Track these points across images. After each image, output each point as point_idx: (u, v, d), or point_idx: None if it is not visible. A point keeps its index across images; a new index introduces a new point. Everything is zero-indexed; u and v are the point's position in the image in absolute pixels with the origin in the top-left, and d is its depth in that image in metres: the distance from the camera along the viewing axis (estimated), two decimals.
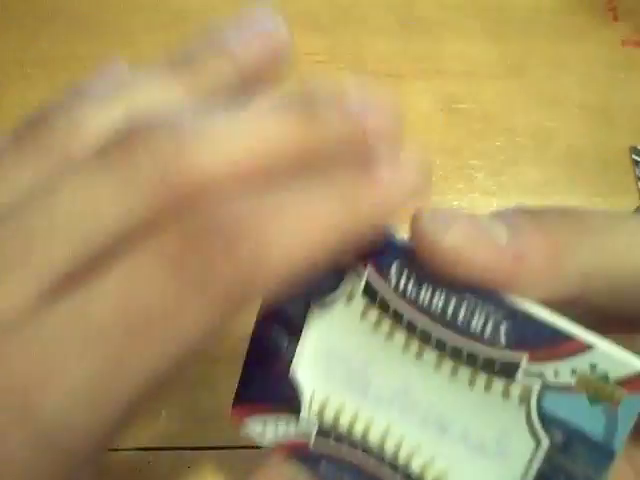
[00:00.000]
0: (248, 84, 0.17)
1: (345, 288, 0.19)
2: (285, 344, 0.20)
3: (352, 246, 0.15)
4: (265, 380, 0.20)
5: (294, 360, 0.20)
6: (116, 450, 0.30)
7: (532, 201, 0.37)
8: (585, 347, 0.17)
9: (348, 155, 0.15)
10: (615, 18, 0.41)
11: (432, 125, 0.37)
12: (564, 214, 0.16)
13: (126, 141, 0.14)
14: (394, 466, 0.19)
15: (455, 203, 0.36)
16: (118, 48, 0.39)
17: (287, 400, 0.20)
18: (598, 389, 0.17)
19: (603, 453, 0.17)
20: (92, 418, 0.13)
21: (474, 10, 0.42)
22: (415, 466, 0.19)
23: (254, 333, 0.20)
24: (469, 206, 0.35)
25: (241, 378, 0.21)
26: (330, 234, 0.14)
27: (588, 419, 0.17)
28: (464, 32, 0.41)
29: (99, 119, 0.15)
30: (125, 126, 0.14)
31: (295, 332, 0.20)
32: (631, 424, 0.17)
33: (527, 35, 0.41)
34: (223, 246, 0.13)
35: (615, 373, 0.16)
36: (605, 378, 0.17)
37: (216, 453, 0.31)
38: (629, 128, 0.39)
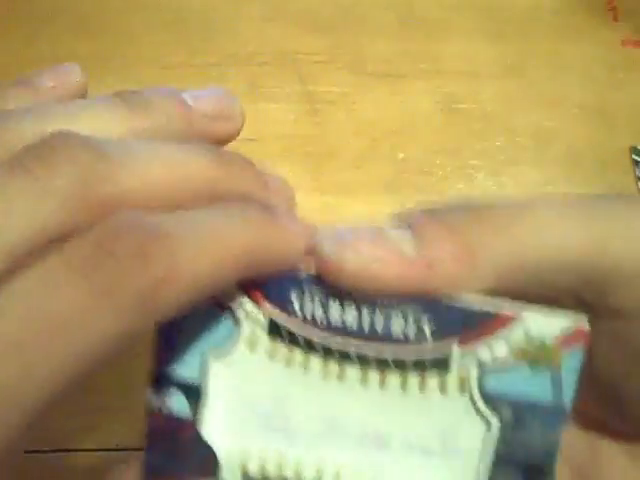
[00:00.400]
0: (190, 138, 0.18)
1: (243, 333, 0.18)
2: (187, 410, 0.18)
3: (250, 277, 0.16)
4: (171, 459, 0.19)
5: (202, 423, 0.18)
6: (116, 450, 0.30)
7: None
8: (512, 318, 0.17)
9: (253, 200, 0.17)
10: (615, 18, 0.41)
11: (432, 125, 0.37)
12: (468, 211, 0.17)
13: (44, 150, 0.14)
14: None
15: None
16: (118, 48, 0.39)
17: (203, 468, 0.19)
18: (536, 355, 0.17)
19: (555, 415, 0.17)
20: None
21: (474, 10, 0.42)
22: None
23: (148, 412, 0.19)
24: None
25: (144, 465, 0.19)
26: (234, 253, 0.15)
27: (533, 387, 0.17)
28: (464, 32, 0.41)
29: (24, 131, 0.15)
30: (47, 138, 0.14)
31: (196, 394, 0.18)
32: (576, 378, 0.17)
33: (527, 35, 0.41)
34: (134, 253, 0.13)
35: (548, 335, 0.17)
36: (540, 342, 0.17)
37: None
38: (629, 128, 0.39)
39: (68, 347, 0.13)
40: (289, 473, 0.18)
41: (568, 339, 0.17)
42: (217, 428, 0.18)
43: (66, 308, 0.13)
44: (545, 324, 0.17)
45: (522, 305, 0.17)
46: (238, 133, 0.19)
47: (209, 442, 0.18)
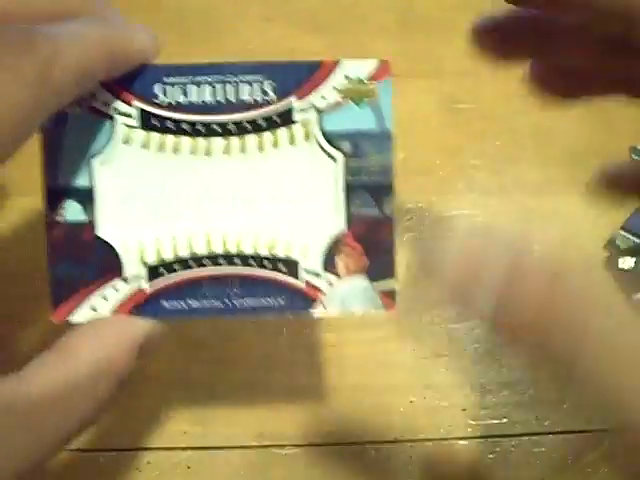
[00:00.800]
0: None
1: (119, 133, 0.21)
2: (82, 216, 0.21)
3: (118, 69, 0.20)
4: (75, 267, 0.21)
5: (97, 224, 0.21)
6: (116, 450, 0.30)
7: (532, 201, 0.37)
8: (333, 64, 0.21)
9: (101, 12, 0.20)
10: None
11: (432, 125, 0.37)
12: None
13: None
14: (228, 258, 0.21)
15: (455, 203, 0.36)
16: None
17: (106, 268, 0.21)
18: (358, 92, 0.21)
19: (383, 138, 0.21)
20: None
21: (474, 10, 0.42)
22: (246, 247, 0.21)
23: (47, 227, 0.21)
24: (469, 206, 0.35)
25: (50, 282, 0.21)
26: (100, 44, 0.18)
27: (362, 120, 0.21)
28: (464, 32, 0.41)
29: None
30: None
31: (87, 198, 0.21)
32: (390, 105, 0.21)
33: None
34: (22, 39, 0.16)
35: (363, 73, 0.21)
36: (359, 80, 0.21)
37: (215, 453, 0.31)
38: (629, 128, 0.39)
39: None
40: (183, 251, 0.21)
41: (378, 73, 0.21)
42: (111, 226, 0.21)
43: None
44: (359, 65, 0.21)
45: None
46: None
47: (107, 242, 0.21)
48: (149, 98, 0.20)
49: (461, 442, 0.31)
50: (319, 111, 0.21)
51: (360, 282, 0.21)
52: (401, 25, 0.39)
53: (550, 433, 0.32)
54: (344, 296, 0.21)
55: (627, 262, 0.35)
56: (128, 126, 0.21)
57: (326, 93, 0.21)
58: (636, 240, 0.35)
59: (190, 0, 0.41)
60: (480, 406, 0.32)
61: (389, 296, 0.22)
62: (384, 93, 0.21)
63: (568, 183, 0.37)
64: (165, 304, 0.21)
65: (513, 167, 0.37)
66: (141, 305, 0.21)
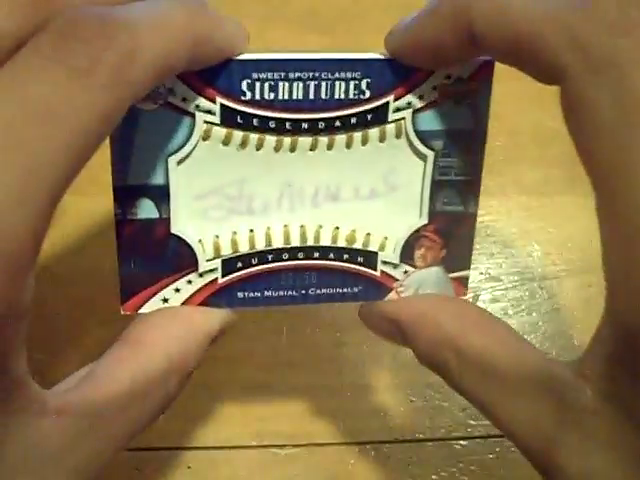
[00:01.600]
0: None
1: (199, 130, 0.19)
2: (155, 214, 0.20)
3: (204, 62, 0.18)
4: (147, 263, 0.20)
5: (172, 220, 0.20)
6: None
7: (532, 201, 0.37)
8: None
9: None
10: None
11: None
12: None
13: None
14: (307, 250, 0.21)
15: None
16: None
17: (179, 264, 0.20)
18: (458, 91, 0.20)
19: (478, 137, 0.21)
20: (21, 215, 0.13)
21: None
22: (325, 240, 0.21)
23: (117, 223, 0.20)
24: None
25: (120, 278, 0.20)
26: (184, 33, 0.16)
27: (458, 119, 0.20)
28: None
29: None
30: None
31: (161, 195, 0.19)
32: (489, 104, 0.20)
33: None
34: (97, 34, 0.14)
35: (465, 72, 0.20)
36: (460, 80, 0.20)
37: (216, 453, 0.31)
38: None
39: (62, 124, 0.13)
40: (260, 244, 0.21)
41: (481, 73, 0.20)
42: (186, 222, 0.20)
43: (51, 91, 0.13)
44: (461, 64, 0.20)
45: None
46: None
47: (182, 237, 0.20)
48: (235, 95, 0.19)
49: (461, 442, 0.31)
50: (415, 110, 0.20)
51: (435, 271, 0.22)
52: None
53: None
54: (419, 285, 0.22)
55: None
56: (209, 123, 0.19)
57: (425, 92, 0.20)
58: None
59: None
60: None
61: (461, 282, 0.22)
62: (484, 93, 0.20)
63: (568, 183, 0.37)
64: (239, 294, 0.21)
65: (513, 167, 0.37)
66: (214, 295, 0.21)
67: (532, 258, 0.35)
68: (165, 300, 0.20)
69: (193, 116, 0.19)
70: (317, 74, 0.19)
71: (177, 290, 0.20)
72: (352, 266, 0.21)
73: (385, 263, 0.21)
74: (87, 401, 0.17)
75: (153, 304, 0.20)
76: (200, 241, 0.20)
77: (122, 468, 0.30)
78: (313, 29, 0.39)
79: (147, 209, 0.20)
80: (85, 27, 0.14)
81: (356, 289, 0.21)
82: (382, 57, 0.20)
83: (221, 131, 0.19)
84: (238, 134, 0.19)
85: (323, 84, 0.19)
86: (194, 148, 0.19)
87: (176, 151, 0.19)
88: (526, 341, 0.20)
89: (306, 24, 0.39)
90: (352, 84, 0.19)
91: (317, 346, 0.33)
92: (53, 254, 0.34)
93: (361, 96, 0.20)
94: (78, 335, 0.33)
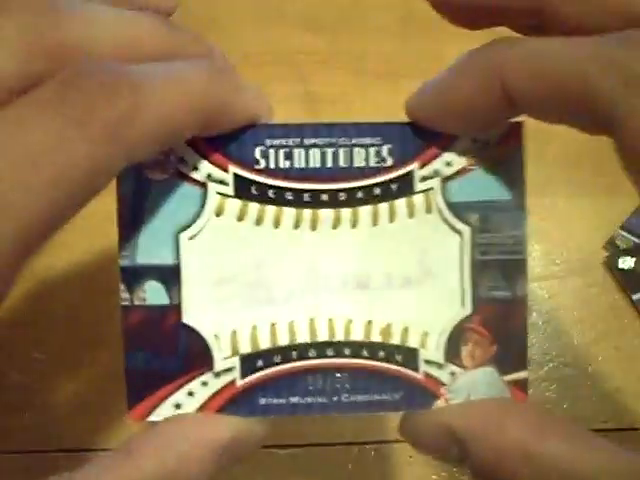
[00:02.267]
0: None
1: (211, 203, 0.18)
2: (166, 300, 0.18)
3: (215, 128, 0.17)
4: (156, 358, 0.18)
5: (183, 307, 0.18)
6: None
7: (532, 201, 0.37)
8: None
9: (200, 55, 0.17)
10: None
11: None
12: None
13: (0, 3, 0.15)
14: (336, 346, 0.18)
15: None
16: None
17: (192, 360, 0.18)
18: (487, 157, 0.18)
19: (516, 208, 0.18)
20: None
21: None
22: (356, 336, 0.19)
23: (122, 310, 0.18)
24: None
25: (127, 376, 0.18)
26: (194, 97, 0.15)
27: (491, 188, 0.18)
28: (464, 32, 0.41)
29: None
30: None
31: (171, 277, 0.18)
32: (523, 171, 0.18)
33: None
34: (100, 87, 0.14)
35: (493, 136, 0.18)
36: (486, 144, 0.18)
37: None
38: None
39: (45, 178, 0.13)
40: (283, 338, 0.18)
41: (509, 136, 0.18)
42: (200, 311, 0.18)
43: (40, 139, 0.13)
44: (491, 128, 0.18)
45: None
46: (175, 10, 0.19)
47: (195, 330, 0.18)
48: (248, 163, 0.18)
49: None
50: (443, 179, 0.18)
51: (487, 373, 0.19)
52: (401, 25, 0.39)
53: None
54: (469, 389, 0.19)
55: (627, 262, 0.35)
56: (222, 195, 0.18)
57: (452, 159, 0.18)
58: (636, 240, 0.35)
59: (190, 1, 0.41)
60: None
61: (520, 387, 0.19)
62: (516, 158, 0.18)
63: (568, 183, 0.37)
64: (261, 400, 0.18)
65: None
66: (233, 402, 0.18)
67: (532, 258, 0.35)
68: (178, 406, 0.18)
69: (205, 186, 0.18)
70: (334, 140, 0.18)
71: (191, 394, 0.18)
72: (390, 366, 0.18)
73: (428, 363, 0.19)
74: None
75: (164, 410, 0.18)
76: (216, 336, 0.18)
77: None
78: (313, 29, 0.39)
79: (156, 293, 0.18)
80: (90, 79, 0.14)
81: (397, 395, 0.19)
82: (403, 122, 0.18)
83: (235, 204, 0.18)
84: (254, 208, 0.18)
85: (341, 151, 0.18)
86: (206, 224, 0.18)
87: (188, 226, 0.18)
88: (611, 445, 0.17)
89: (306, 24, 0.39)
90: (372, 151, 0.18)
91: None
92: (53, 253, 0.34)
93: (383, 164, 0.18)
94: (78, 335, 0.33)
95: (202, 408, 0.18)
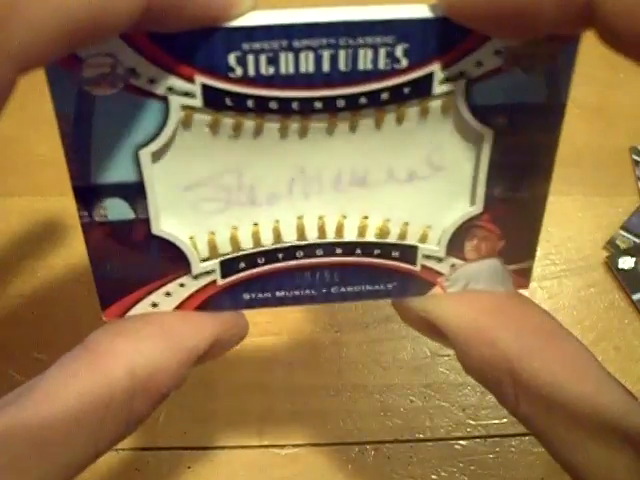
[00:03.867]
0: None
1: (174, 117, 0.15)
2: (130, 214, 0.16)
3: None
4: (126, 267, 0.17)
5: (152, 219, 0.16)
6: (116, 450, 0.30)
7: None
8: None
9: None
10: None
11: None
12: None
13: None
14: (326, 246, 0.17)
15: None
16: None
17: (167, 266, 0.17)
18: (531, 56, 0.15)
19: (554, 112, 0.16)
20: None
21: None
22: (350, 233, 0.17)
23: (84, 230, 0.16)
24: None
25: (97, 286, 0.17)
26: None
27: (528, 90, 0.16)
28: None
29: None
30: None
31: (135, 193, 0.16)
32: (572, 73, 0.16)
33: None
34: None
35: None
36: (537, 41, 0.15)
37: (216, 453, 0.31)
38: (629, 128, 0.39)
39: None
40: (267, 240, 0.17)
41: (562, 35, 0.15)
42: (171, 219, 0.17)
43: None
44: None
45: None
46: None
47: (168, 236, 0.16)
48: (221, 72, 0.15)
49: (461, 442, 0.31)
50: (470, 80, 0.15)
51: (490, 264, 0.18)
52: None
53: None
54: (469, 278, 0.18)
55: (627, 262, 0.35)
56: (188, 108, 0.15)
57: (484, 58, 0.15)
58: (636, 240, 0.35)
59: None
60: (480, 406, 0.32)
61: (522, 274, 0.18)
62: (568, 56, 0.16)
63: (568, 183, 0.37)
64: (245, 295, 0.17)
65: None
66: (214, 299, 0.17)
67: None
68: (155, 305, 0.17)
69: (165, 100, 0.15)
70: (333, 41, 0.14)
71: (168, 294, 0.17)
72: (385, 261, 0.17)
73: (427, 257, 0.17)
74: (23, 424, 0.14)
75: (140, 309, 0.17)
76: (192, 238, 0.17)
77: (122, 468, 0.30)
78: None
79: (119, 209, 0.16)
80: None
81: (390, 285, 0.18)
82: (424, 17, 0.14)
83: (205, 117, 0.15)
84: (229, 120, 0.15)
85: (342, 53, 0.15)
86: (172, 139, 0.16)
87: (148, 143, 0.15)
88: (605, 371, 0.17)
89: None
90: (382, 51, 0.15)
91: (317, 346, 0.33)
92: (53, 252, 0.34)
93: (395, 65, 0.15)
94: (78, 335, 0.33)
95: (180, 306, 0.17)
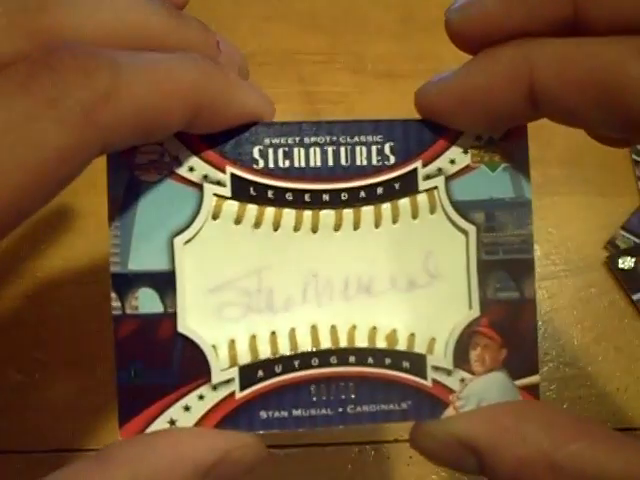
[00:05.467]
0: None
1: (207, 204, 0.17)
2: (159, 307, 0.17)
3: (204, 127, 0.16)
4: (149, 371, 0.17)
5: (179, 315, 0.17)
6: None
7: (532, 201, 0.37)
8: None
9: (199, 47, 0.16)
10: None
11: None
12: None
13: None
14: (340, 354, 0.18)
15: None
16: None
17: (189, 372, 0.17)
18: (491, 154, 0.18)
19: (522, 206, 0.18)
20: None
21: None
22: (361, 341, 0.18)
23: (114, 320, 0.17)
24: None
25: (119, 391, 0.17)
26: (181, 87, 0.14)
27: (496, 186, 0.18)
28: None
29: None
30: None
31: (166, 283, 0.17)
32: (528, 168, 0.18)
33: None
34: (75, 67, 0.13)
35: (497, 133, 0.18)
36: (491, 141, 0.18)
37: None
38: None
39: (14, 156, 0.12)
40: (283, 345, 0.17)
41: (512, 135, 0.18)
42: (196, 320, 0.17)
43: (9, 116, 0.12)
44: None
45: None
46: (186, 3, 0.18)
47: (192, 338, 0.17)
48: (247, 163, 0.17)
49: None
50: (447, 177, 0.18)
51: (498, 378, 0.18)
52: (401, 25, 0.39)
53: None
54: (480, 396, 0.18)
55: (627, 262, 0.35)
56: (219, 196, 0.17)
57: (456, 156, 0.18)
58: (636, 240, 0.35)
59: (190, 0, 0.41)
60: None
61: (531, 391, 0.18)
62: (521, 155, 0.18)
63: (568, 183, 0.37)
64: (262, 414, 0.17)
65: None
66: (232, 416, 0.17)
67: None
68: (172, 422, 0.17)
69: (201, 188, 0.17)
70: (335, 138, 0.17)
71: (187, 409, 0.17)
72: (397, 374, 0.18)
73: (436, 369, 0.18)
74: None
75: (158, 427, 0.17)
76: (213, 343, 0.17)
77: None
78: (313, 29, 0.39)
79: (150, 301, 0.17)
80: (65, 58, 0.13)
81: (405, 405, 0.18)
82: (405, 119, 0.18)
83: (233, 206, 0.17)
84: (252, 209, 0.17)
85: (342, 149, 0.17)
86: (203, 228, 0.17)
87: (182, 230, 0.17)
88: (629, 439, 0.16)
89: (306, 24, 0.39)
90: (374, 149, 0.17)
91: None
92: (53, 253, 0.34)
93: (385, 162, 0.17)
94: (78, 335, 0.33)
95: (199, 424, 0.17)
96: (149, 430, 0.17)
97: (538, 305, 0.35)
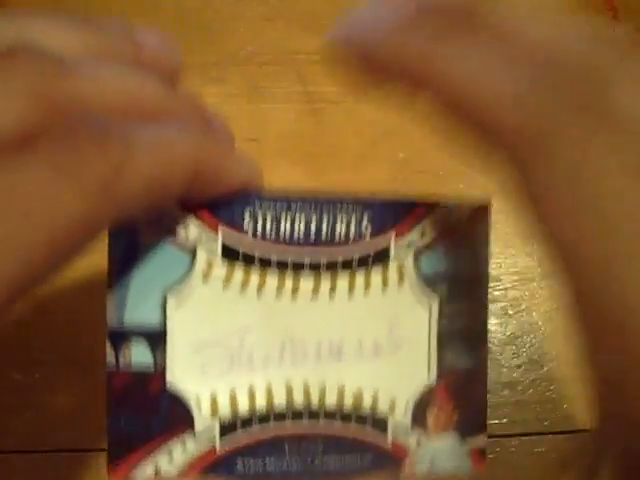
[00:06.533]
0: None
1: (199, 265, 0.18)
2: (150, 362, 0.18)
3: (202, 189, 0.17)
4: (139, 420, 0.18)
5: (167, 372, 0.18)
6: None
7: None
8: (435, 203, 0.19)
9: (195, 120, 0.18)
10: (615, 18, 0.41)
11: (432, 125, 0.37)
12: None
13: (10, 54, 0.14)
14: (312, 413, 0.19)
15: None
16: None
17: (174, 422, 0.18)
18: (457, 232, 0.20)
19: (479, 282, 0.20)
20: None
21: None
22: (330, 402, 0.19)
23: (108, 373, 0.18)
24: None
25: (110, 437, 0.18)
26: (184, 158, 0.16)
27: (458, 262, 0.20)
28: None
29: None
30: (13, 43, 0.15)
31: (158, 340, 0.18)
32: (487, 249, 0.20)
33: None
34: (91, 140, 0.14)
35: (462, 213, 0.19)
36: (459, 221, 0.19)
37: None
38: None
39: (35, 229, 0.13)
40: (260, 402, 0.19)
41: (475, 216, 0.19)
42: (183, 375, 0.19)
43: (31, 189, 0.13)
44: (458, 205, 0.19)
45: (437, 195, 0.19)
46: (179, 68, 0.19)
47: (179, 392, 0.18)
48: (237, 227, 0.18)
49: None
50: (417, 250, 0.19)
51: (449, 439, 0.20)
52: None
53: (550, 433, 0.32)
54: (433, 455, 0.20)
55: None
56: (209, 258, 0.18)
57: (426, 231, 0.19)
58: None
59: (189, 1, 0.41)
60: None
61: (479, 454, 0.20)
62: (481, 237, 0.20)
63: None
64: (239, 464, 0.19)
65: None
66: (211, 465, 0.19)
67: (532, 258, 0.35)
68: (157, 471, 0.18)
69: (194, 249, 0.18)
70: (319, 210, 0.19)
71: (171, 456, 0.19)
72: (361, 431, 0.20)
73: (396, 428, 0.20)
74: None
75: (144, 473, 0.18)
76: (196, 397, 0.19)
77: None
78: (313, 29, 0.39)
79: (141, 355, 0.18)
80: (82, 134, 0.14)
81: (367, 461, 0.20)
82: (383, 198, 0.19)
83: (222, 268, 0.19)
84: (239, 272, 0.19)
85: (324, 220, 0.19)
86: (193, 288, 0.18)
87: (175, 289, 0.18)
88: None
89: (306, 24, 0.39)
90: (353, 221, 0.19)
91: None
92: None
93: (362, 234, 0.19)
94: (78, 335, 0.33)
95: (181, 473, 0.19)
96: (136, 473, 0.18)
97: (538, 305, 0.35)
